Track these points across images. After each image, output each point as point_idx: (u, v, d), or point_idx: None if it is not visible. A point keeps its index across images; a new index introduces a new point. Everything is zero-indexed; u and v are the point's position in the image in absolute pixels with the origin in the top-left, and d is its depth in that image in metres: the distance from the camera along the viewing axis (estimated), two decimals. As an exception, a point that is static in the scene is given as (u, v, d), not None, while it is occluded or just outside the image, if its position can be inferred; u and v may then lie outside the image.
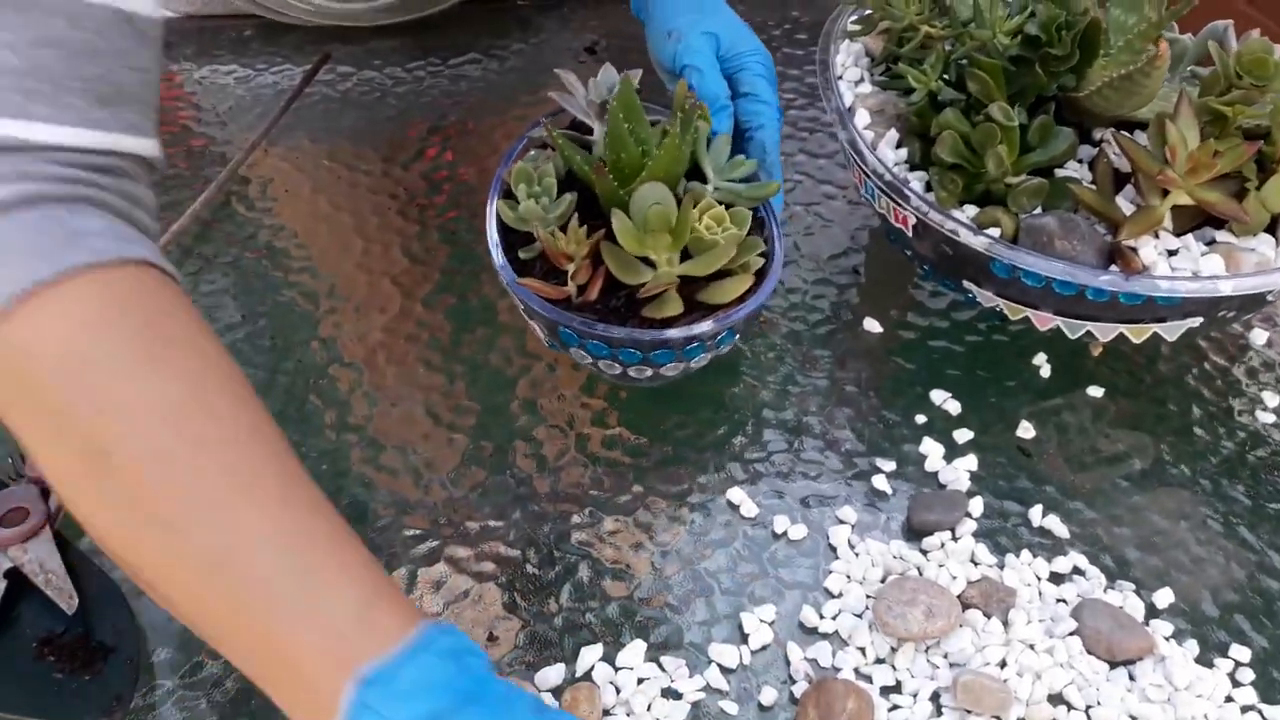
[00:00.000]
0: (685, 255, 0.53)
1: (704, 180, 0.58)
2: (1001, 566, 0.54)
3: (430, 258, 0.68)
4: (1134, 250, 0.55)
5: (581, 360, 0.55)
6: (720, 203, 0.55)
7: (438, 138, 0.75)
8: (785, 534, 0.55)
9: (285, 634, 0.35)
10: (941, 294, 0.67)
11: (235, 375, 0.38)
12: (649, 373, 0.55)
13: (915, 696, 0.49)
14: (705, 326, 0.52)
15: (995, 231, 0.57)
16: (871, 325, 0.65)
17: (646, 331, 0.52)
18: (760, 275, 0.55)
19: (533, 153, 0.59)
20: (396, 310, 0.65)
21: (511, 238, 0.56)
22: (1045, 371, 0.63)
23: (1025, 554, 0.54)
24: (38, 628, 0.48)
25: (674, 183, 0.55)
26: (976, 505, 0.56)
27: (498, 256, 0.55)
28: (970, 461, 0.58)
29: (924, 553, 0.54)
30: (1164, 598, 0.53)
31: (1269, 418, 0.62)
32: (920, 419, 0.60)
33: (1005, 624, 0.51)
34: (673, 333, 0.52)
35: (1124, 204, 0.57)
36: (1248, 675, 0.51)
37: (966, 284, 0.60)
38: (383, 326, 0.64)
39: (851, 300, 0.67)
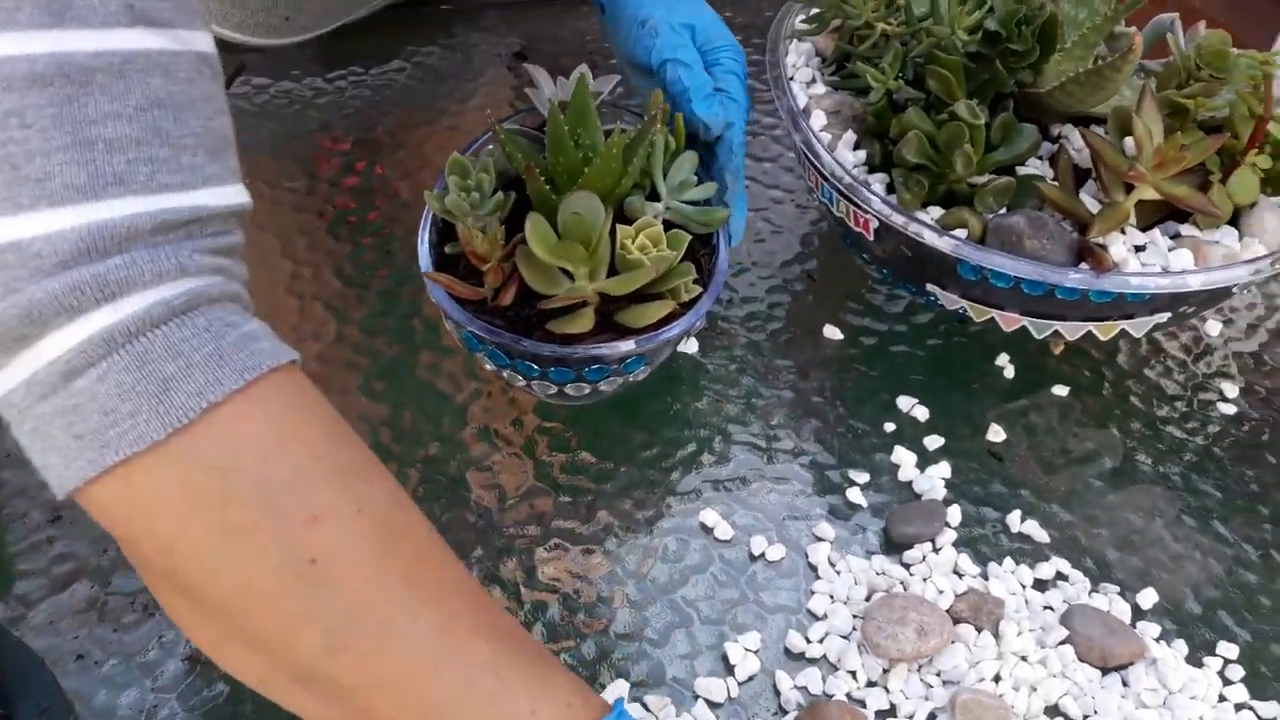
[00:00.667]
0: (615, 273, 0.51)
1: (658, 197, 0.55)
2: (986, 576, 0.52)
3: (365, 278, 0.64)
4: (1104, 247, 0.54)
5: (512, 381, 0.53)
6: (670, 223, 0.53)
7: (366, 151, 0.71)
8: (763, 555, 0.53)
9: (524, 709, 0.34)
10: (899, 297, 0.65)
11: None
12: (585, 390, 0.52)
13: (912, 718, 0.47)
14: (608, 350, 0.49)
15: (962, 233, 0.55)
16: (831, 332, 0.63)
17: (547, 346, 0.49)
18: (690, 305, 0.52)
19: (490, 147, 0.56)
20: (332, 337, 0.61)
21: (449, 235, 0.53)
22: (1009, 372, 0.62)
23: (1008, 561, 0.53)
24: (-48, 709, 0.43)
25: (609, 194, 0.52)
26: (954, 514, 0.55)
27: (423, 248, 0.52)
28: (944, 469, 0.57)
29: (906, 566, 0.52)
30: (1148, 598, 0.52)
31: (1230, 408, 0.62)
32: (889, 427, 0.59)
33: (996, 636, 0.49)
34: (575, 351, 0.49)
35: (1087, 200, 0.56)
36: (1237, 672, 0.50)
37: (930, 287, 0.59)
38: (317, 355, 0.60)
39: (809, 306, 0.65)
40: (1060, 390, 0.62)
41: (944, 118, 0.55)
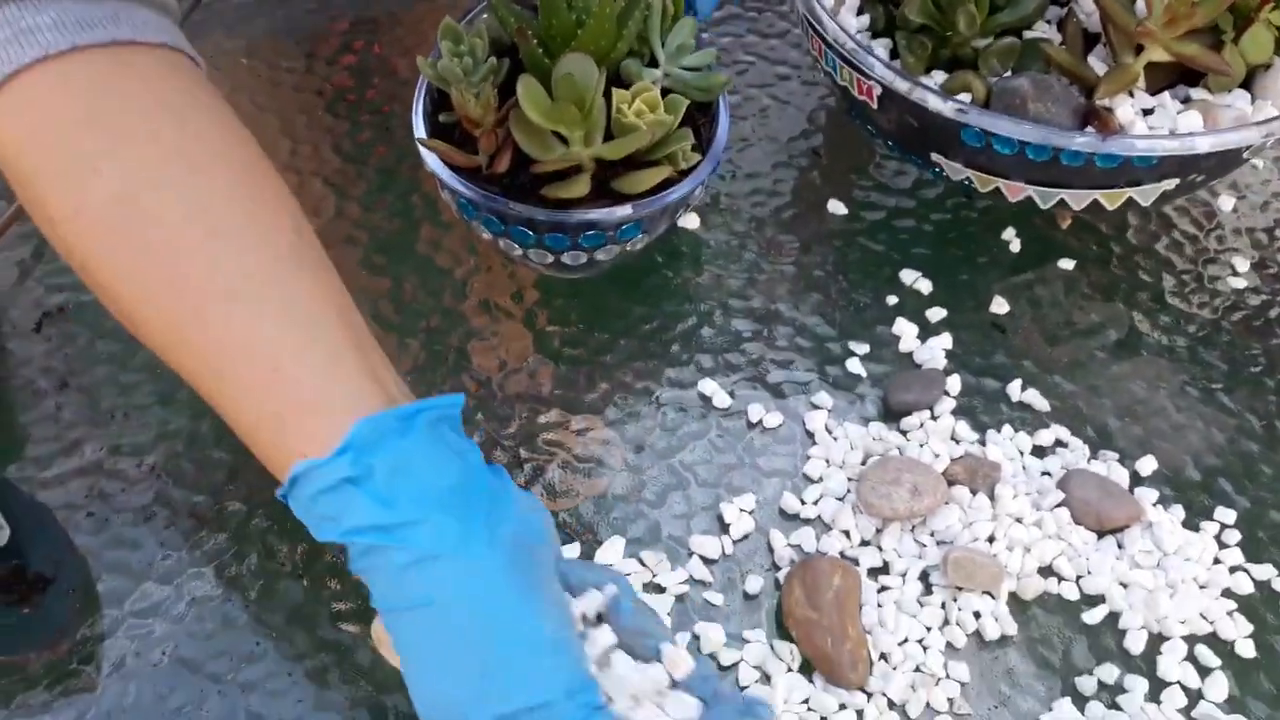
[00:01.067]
0: (611, 138, 0.50)
1: (657, 64, 0.54)
2: (983, 443, 0.52)
3: (364, 155, 0.64)
4: (1110, 110, 0.53)
5: (510, 251, 0.52)
6: (669, 90, 0.52)
7: (364, 30, 0.70)
8: (760, 423, 0.53)
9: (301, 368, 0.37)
10: (905, 172, 0.64)
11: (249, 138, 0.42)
12: (582, 259, 0.52)
13: (904, 576, 0.47)
14: (603, 214, 0.49)
15: (966, 97, 0.54)
16: (836, 207, 0.63)
17: (541, 211, 0.49)
18: (688, 173, 0.52)
19: (485, 16, 0.55)
20: (333, 212, 0.61)
21: (444, 105, 0.53)
22: (1015, 246, 0.62)
23: (1006, 429, 0.53)
24: (-35, 562, 0.44)
25: (604, 58, 0.51)
26: (954, 384, 0.54)
27: (418, 117, 0.51)
28: (945, 340, 0.56)
29: (903, 433, 0.52)
30: (1147, 465, 0.52)
31: (1240, 282, 0.61)
32: (891, 300, 0.58)
33: (992, 499, 0.49)
34: (570, 216, 0.49)
35: (1095, 64, 0.55)
36: (1234, 536, 0.50)
37: (934, 157, 0.58)
38: (318, 230, 0.60)
39: (814, 182, 0.64)
40: (1066, 264, 0.61)
41: (952, -22, 0.53)
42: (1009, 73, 0.55)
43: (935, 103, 0.54)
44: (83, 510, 0.48)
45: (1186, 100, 0.55)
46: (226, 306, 0.37)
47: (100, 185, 0.37)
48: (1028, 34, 0.57)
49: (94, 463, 0.49)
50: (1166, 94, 0.54)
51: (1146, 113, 0.54)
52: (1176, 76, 0.55)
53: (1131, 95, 0.54)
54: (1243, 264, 0.62)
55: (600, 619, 0.39)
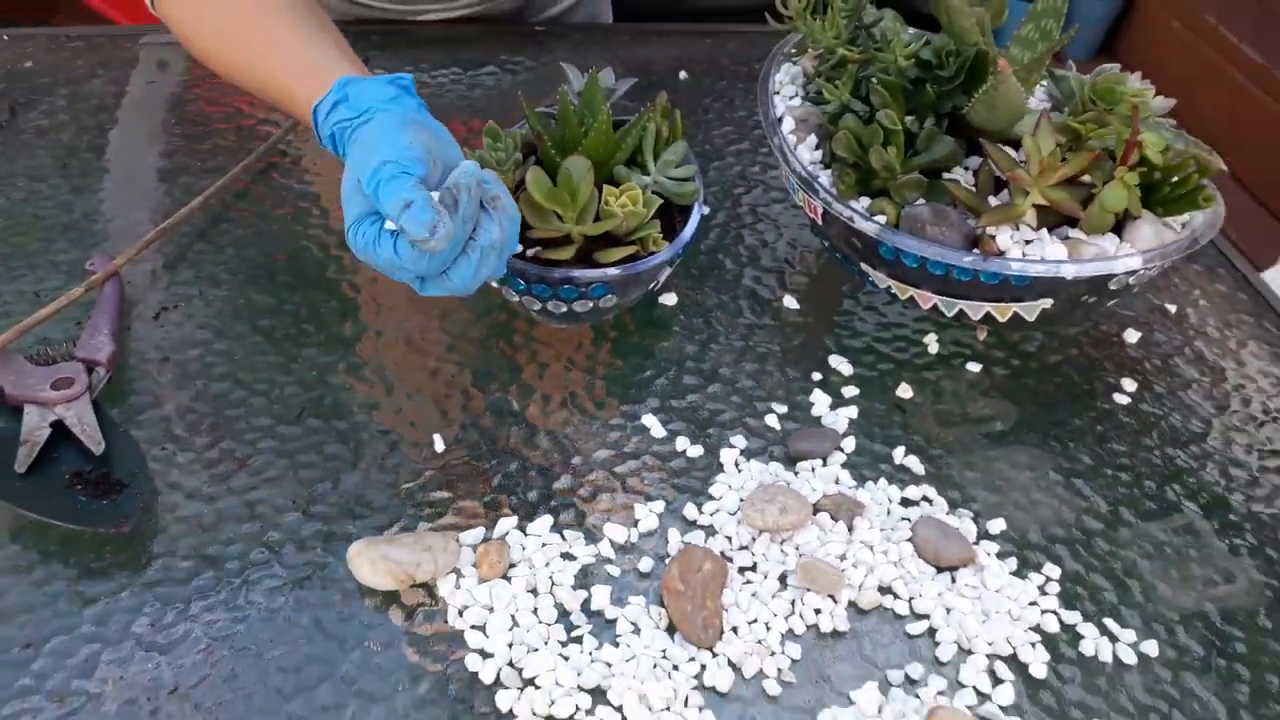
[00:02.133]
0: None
1: (646, 172, 0.70)
2: (859, 488, 0.64)
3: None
4: (992, 238, 0.66)
5: (507, 296, 0.68)
6: (659, 195, 0.68)
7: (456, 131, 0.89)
8: (684, 452, 0.66)
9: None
10: (871, 292, 0.78)
11: None
12: (563, 309, 0.67)
13: (766, 575, 0.59)
14: (578, 273, 0.64)
15: (882, 218, 0.68)
16: (790, 302, 0.76)
17: (534, 266, 0.64)
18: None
19: (523, 125, 0.72)
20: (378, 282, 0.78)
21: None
22: (933, 349, 0.74)
23: (883, 482, 0.65)
24: (70, 464, 0.61)
25: (604, 163, 0.67)
26: (849, 443, 0.67)
27: None
28: (851, 411, 0.69)
29: (795, 473, 0.65)
30: (996, 526, 0.63)
31: (1124, 399, 0.72)
32: (816, 376, 0.71)
33: (850, 528, 0.61)
34: (554, 272, 0.64)
35: (993, 201, 0.68)
36: (1054, 588, 0.60)
37: (865, 267, 0.72)
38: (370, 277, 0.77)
39: (775, 282, 0.78)
40: (974, 366, 0.73)
41: (873, 126, 0.68)
42: (920, 202, 0.68)
43: (859, 221, 0.68)
44: (158, 445, 0.64)
45: (1066, 238, 0.67)
46: (279, 50, 0.70)
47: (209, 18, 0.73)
48: (946, 176, 0.70)
49: (172, 415, 0.65)
50: (1045, 230, 0.67)
51: (1028, 243, 0.66)
52: (1061, 220, 0.68)
53: (1017, 228, 0.66)
54: (1130, 384, 0.73)
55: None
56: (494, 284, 0.68)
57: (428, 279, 0.59)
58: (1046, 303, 0.67)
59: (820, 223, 0.72)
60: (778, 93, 0.77)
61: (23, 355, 0.65)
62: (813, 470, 0.65)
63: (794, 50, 0.78)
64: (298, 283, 0.75)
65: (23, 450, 0.60)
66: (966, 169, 0.71)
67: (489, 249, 0.58)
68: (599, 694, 0.53)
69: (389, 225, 0.57)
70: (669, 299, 0.76)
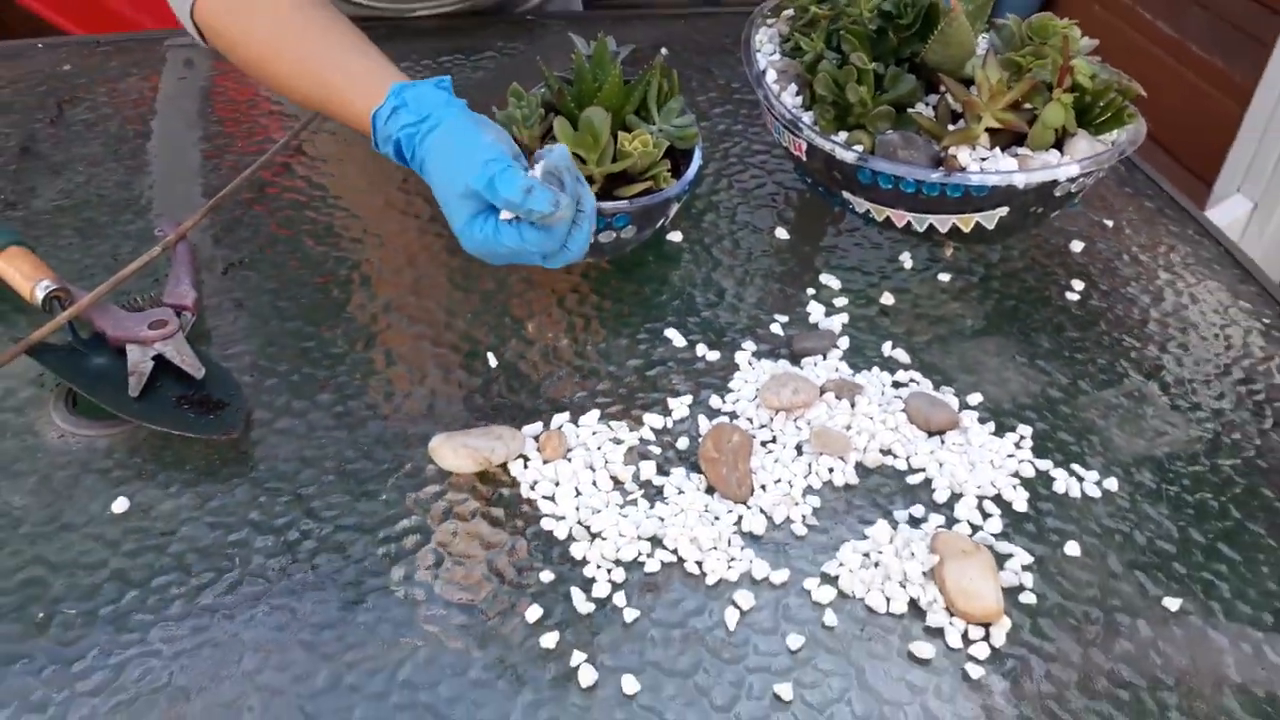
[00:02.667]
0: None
1: (652, 121, 0.81)
2: (856, 375, 0.75)
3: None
4: (954, 157, 0.77)
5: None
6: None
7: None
8: (704, 357, 0.76)
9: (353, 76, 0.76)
10: (852, 221, 0.89)
11: None
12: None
13: (784, 445, 0.69)
14: (603, 205, 0.73)
15: (859, 147, 0.79)
16: (781, 233, 0.87)
17: None
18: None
19: (541, 87, 0.82)
20: (428, 216, 0.87)
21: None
22: (909, 264, 0.85)
23: (876, 369, 0.75)
24: (176, 389, 0.69)
25: (616, 112, 0.77)
26: (844, 342, 0.77)
27: None
28: (843, 317, 0.80)
29: (800, 367, 0.75)
30: (975, 398, 0.74)
31: (1074, 297, 0.83)
32: (810, 292, 0.82)
33: (852, 405, 0.72)
34: None
35: (955, 129, 0.79)
36: (1028, 444, 0.71)
37: (845, 195, 0.82)
38: (415, 229, 0.86)
39: (768, 216, 0.89)
40: (944, 277, 0.84)
41: (847, 67, 0.79)
42: (890, 131, 0.79)
43: (840, 152, 0.79)
44: (245, 374, 0.73)
45: (1015, 154, 0.78)
46: (327, 59, 0.77)
47: (258, 24, 0.79)
48: (911, 110, 0.81)
49: (254, 349, 0.74)
50: (999, 150, 0.78)
51: (984, 160, 0.78)
52: (1012, 139, 0.79)
53: (973, 148, 0.78)
54: (1079, 285, 0.84)
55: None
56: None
57: (550, 255, 0.68)
58: (1003, 211, 0.78)
59: (805, 159, 0.83)
60: (759, 50, 0.88)
61: (116, 305, 0.74)
62: (815, 364, 0.75)
63: (770, 13, 0.89)
64: (345, 238, 0.85)
65: (133, 379, 0.69)
66: (927, 104, 0.83)
67: (592, 214, 0.68)
68: (656, 541, 0.63)
69: (504, 216, 0.66)
70: (675, 236, 0.86)
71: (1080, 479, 0.69)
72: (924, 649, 0.59)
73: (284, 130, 0.95)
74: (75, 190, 0.87)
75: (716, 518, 0.65)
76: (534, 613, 0.59)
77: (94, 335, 0.72)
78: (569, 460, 0.68)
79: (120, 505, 0.63)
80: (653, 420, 0.71)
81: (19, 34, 1.11)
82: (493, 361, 0.75)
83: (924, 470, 0.69)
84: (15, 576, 0.59)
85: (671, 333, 0.78)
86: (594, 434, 0.70)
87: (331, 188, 0.90)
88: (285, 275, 0.81)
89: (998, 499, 0.68)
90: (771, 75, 0.85)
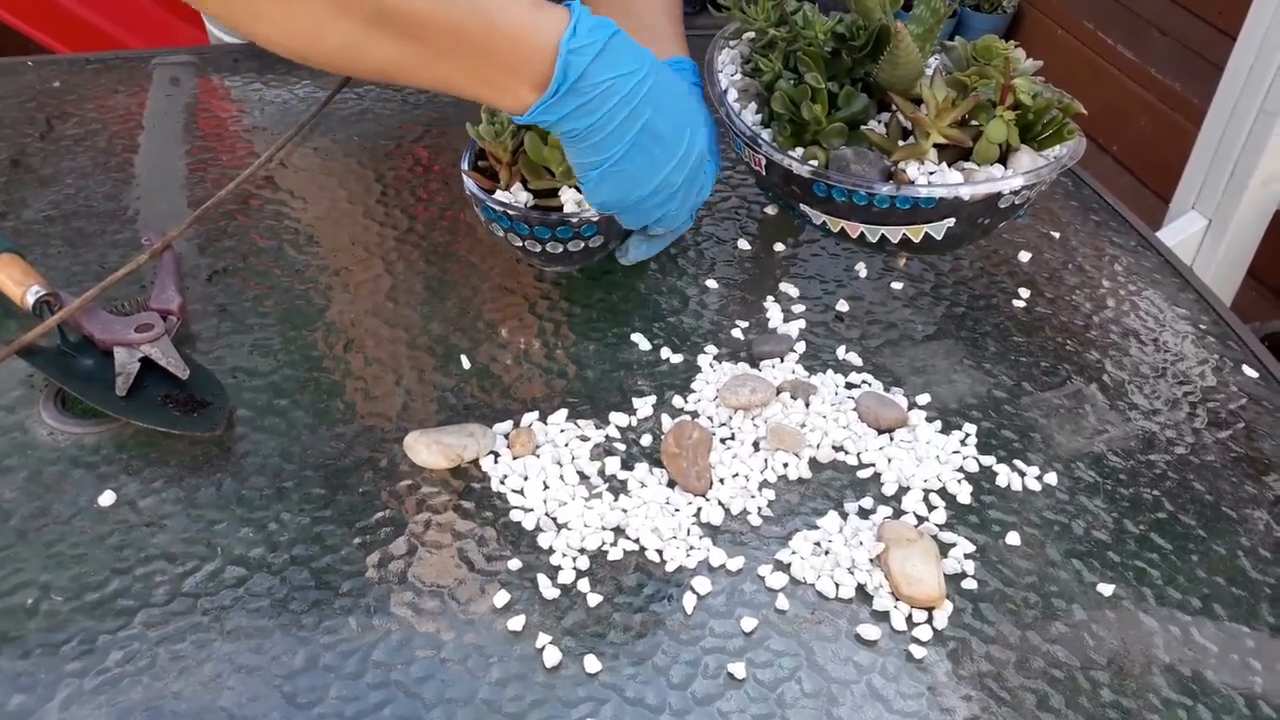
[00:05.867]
0: None
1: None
2: (811, 377, 0.79)
3: (432, 197, 0.94)
4: (904, 171, 0.81)
5: (512, 242, 0.81)
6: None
7: (443, 125, 1.03)
8: (668, 359, 0.80)
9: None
10: (809, 234, 0.93)
11: None
12: (559, 249, 0.80)
13: (742, 442, 0.73)
14: (571, 216, 0.77)
15: (814, 162, 0.83)
16: (743, 245, 0.91)
17: (535, 212, 0.78)
18: None
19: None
20: (406, 227, 0.91)
21: (482, 155, 0.83)
22: (862, 273, 0.89)
23: (830, 371, 0.79)
24: (161, 389, 0.73)
25: None
26: (800, 346, 0.81)
27: (464, 163, 0.81)
28: (800, 323, 0.84)
29: (759, 369, 0.79)
30: (923, 399, 0.78)
31: (1020, 304, 0.88)
32: (769, 299, 0.86)
33: (807, 404, 0.76)
34: (550, 216, 0.77)
35: (904, 145, 0.83)
36: (973, 441, 0.75)
37: (803, 207, 0.87)
38: (396, 238, 0.90)
39: (731, 229, 0.93)
40: (897, 285, 0.88)
41: (802, 86, 0.83)
42: (842, 147, 0.84)
43: (796, 166, 0.83)
44: (228, 374, 0.76)
45: (962, 169, 0.83)
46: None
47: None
48: (865, 128, 0.86)
49: (239, 353, 0.78)
50: (945, 165, 0.82)
51: (932, 173, 0.82)
52: (959, 154, 0.83)
53: (922, 163, 0.82)
54: (1025, 293, 0.89)
55: None
56: (499, 231, 0.81)
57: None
58: (950, 222, 0.82)
59: (764, 173, 0.87)
60: (720, 71, 0.92)
61: (104, 310, 0.77)
62: (773, 366, 0.79)
63: (732, 35, 0.93)
64: (326, 247, 0.88)
65: (120, 379, 0.72)
66: (879, 121, 0.87)
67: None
68: (619, 531, 0.67)
69: None
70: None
71: (1022, 474, 0.73)
72: (870, 631, 0.62)
73: (267, 145, 0.98)
74: (64, 202, 0.91)
75: (677, 509, 0.68)
76: (502, 598, 0.63)
77: (83, 338, 0.75)
78: (537, 456, 0.71)
79: (107, 499, 0.66)
80: (618, 419, 0.74)
81: (8, 54, 1.15)
82: (466, 364, 0.78)
83: (874, 465, 0.73)
84: (5, 565, 0.62)
85: (637, 337, 0.82)
86: (562, 431, 0.73)
87: (313, 199, 0.93)
88: (267, 282, 0.84)
89: (943, 492, 0.71)
90: (733, 94, 0.89)
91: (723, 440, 0.74)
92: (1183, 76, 2.05)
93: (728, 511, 0.69)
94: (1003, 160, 0.83)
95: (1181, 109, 2.01)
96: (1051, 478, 0.73)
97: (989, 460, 0.74)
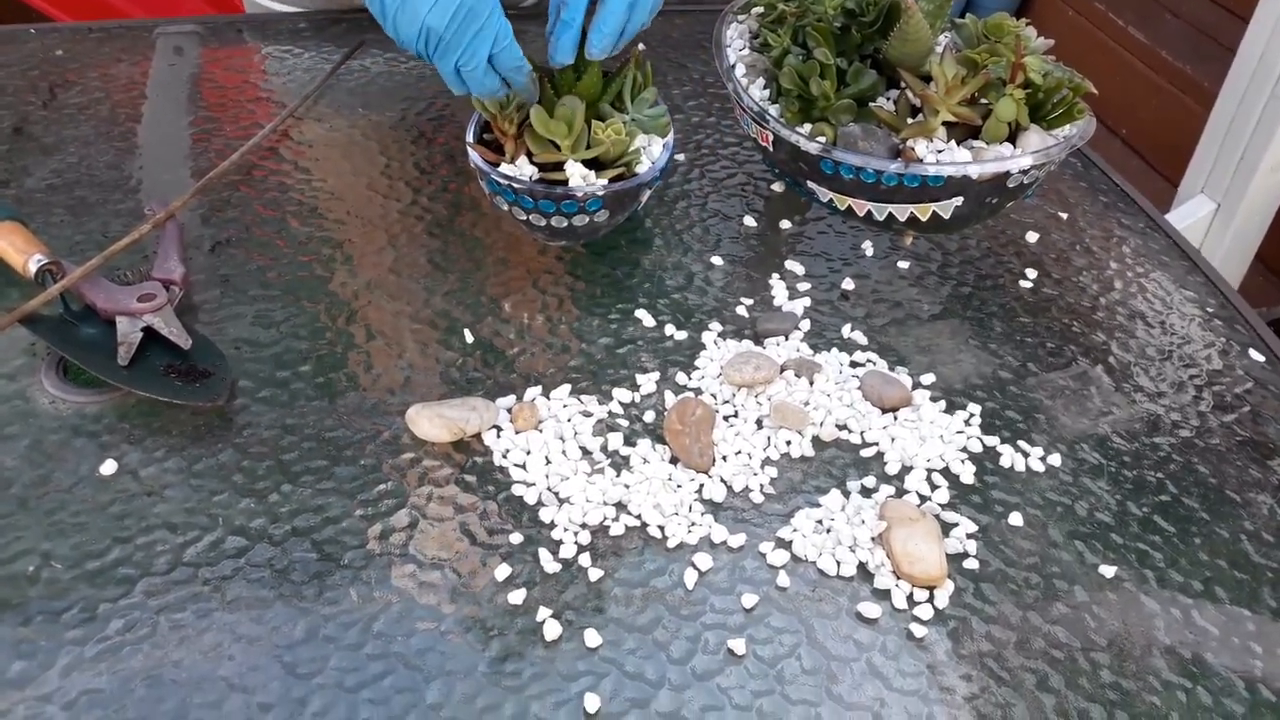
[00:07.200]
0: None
1: (627, 112, 0.84)
2: (815, 355, 0.78)
3: (434, 169, 0.94)
4: (912, 149, 0.80)
5: (517, 216, 0.81)
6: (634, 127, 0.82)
7: (447, 99, 1.02)
8: (672, 336, 0.80)
9: None
10: (816, 210, 0.92)
11: None
12: (564, 224, 0.80)
13: (745, 420, 0.73)
14: (576, 189, 0.77)
15: (822, 139, 0.82)
16: (749, 221, 0.91)
17: (541, 186, 0.77)
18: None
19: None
20: (409, 200, 0.90)
21: (488, 128, 0.82)
22: (870, 251, 0.89)
23: (835, 350, 0.79)
24: (163, 359, 0.72)
25: (593, 103, 0.81)
26: (805, 324, 0.81)
27: (469, 135, 0.81)
28: (806, 300, 0.83)
29: (764, 347, 0.79)
30: (928, 379, 0.77)
31: (1028, 284, 0.87)
32: (775, 277, 0.85)
33: (811, 382, 0.75)
34: (555, 189, 0.77)
35: (913, 122, 0.83)
36: (977, 421, 0.75)
37: (810, 184, 0.86)
38: (400, 210, 0.89)
39: (736, 206, 0.92)
40: (904, 264, 0.88)
41: (811, 62, 0.82)
42: (850, 124, 0.83)
43: (804, 143, 0.82)
44: (230, 346, 0.76)
45: (971, 147, 0.82)
46: None
47: None
48: (873, 105, 0.85)
49: (241, 324, 0.77)
50: (954, 143, 0.82)
51: (940, 152, 0.81)
52: (968, 133, 0.83)
53: (930, 140, 0.81)
54: (1032, 273, 0.88)
55: None
56: (504, 205, 0.81)
57: None
58: (958, 201, 0.82)
59: (771, 149, 0.86)
60: (729, 46, 0.91)
61: (106, 279, 0.77)
62: (778, 344, 0.79)
63: (740, 10, 0.93)
64: (329, 219, 0.88)
65: (122, 349, 0.72)
66: (888, 98, 0.86)
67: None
68: (621, 506, 0.67)
69: None
70: (649, 222, 0.90)
71: (1025, 454, 0.73)
72: (871, 609, 0.62)
73: (271, 116, 0.98)
74: (67, 170, 0.90)
75: (679, 486, 0.68)
76: (503, 571, 0.62)
77: (85, 307, 0.75)
78: (540, 431, 0.71)
79: (109, 468, 0.66)
80: (621, 395, 0.74)
81: (11, 22, 1.14)
82: (469, 338, 0.78)
83: (877, 444, 0.72)
84: (7, 533, 0.62)
85: (641, 313, 0.81)
86: (565, 407, 0.73)
87: (316, 171, 0.93)
88: (270, 253, 0.84)
89: (946, 472, 0.71)
90: (741, 69, 0.88)
91: (726, 418, 0.73)
92: (1194, 59, 2.03)
93: (730, 488, 0.69)
94: (1012, 139, 0.82)
95: (1192, 92, 2.00)
96: (1055, 459, 0.73)
97: (993, 440, 0.73)
